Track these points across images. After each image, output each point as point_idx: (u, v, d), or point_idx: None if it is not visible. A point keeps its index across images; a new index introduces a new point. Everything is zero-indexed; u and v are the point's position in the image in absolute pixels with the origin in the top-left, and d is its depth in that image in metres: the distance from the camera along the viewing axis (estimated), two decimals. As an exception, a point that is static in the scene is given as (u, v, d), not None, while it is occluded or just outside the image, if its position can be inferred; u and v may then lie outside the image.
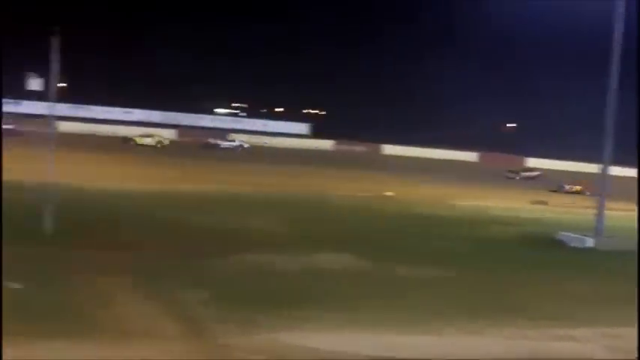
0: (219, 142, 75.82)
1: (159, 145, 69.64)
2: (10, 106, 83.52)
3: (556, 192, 56.79)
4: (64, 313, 15.57)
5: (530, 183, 65.80)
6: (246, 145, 76.94)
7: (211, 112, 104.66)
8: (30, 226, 23.54)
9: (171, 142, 74.74)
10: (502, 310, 18.33)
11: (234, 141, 76.84)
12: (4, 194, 30.50)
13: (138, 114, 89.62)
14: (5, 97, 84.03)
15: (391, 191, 44.58)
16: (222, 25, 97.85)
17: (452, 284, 21.17)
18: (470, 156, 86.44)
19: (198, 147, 72.61)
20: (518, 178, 69.44)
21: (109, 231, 25.09)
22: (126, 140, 69.04)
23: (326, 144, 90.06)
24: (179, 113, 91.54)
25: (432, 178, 58.43)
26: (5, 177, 34.77)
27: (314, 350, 14.80)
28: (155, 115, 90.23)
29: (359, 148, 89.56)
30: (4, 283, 17.00)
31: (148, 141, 69.51)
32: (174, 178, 43.34)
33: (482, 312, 18.06)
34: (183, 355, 14.17)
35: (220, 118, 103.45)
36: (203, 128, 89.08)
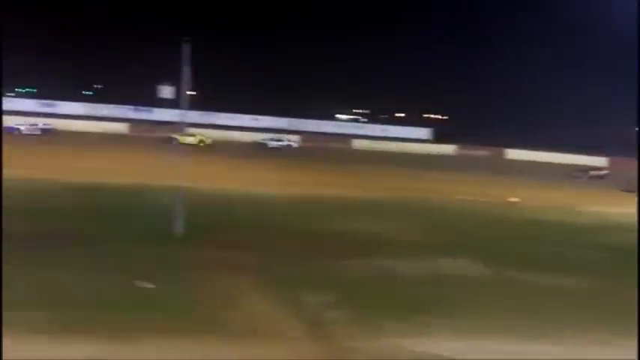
0: (267, 141, 76.88)
1: (201, 144, 71.10)
2: (142, 114, 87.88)
3: (631, 192, 53.47)
4: (193, 312, 16.34)
5: (599, 182, 62.45)
6: (294, 145, 77.27)
7: (333, 118, 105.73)
8: (161, 228, 24.62)
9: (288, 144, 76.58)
10: (630, 321, 17.65)
11: (282, 140, 77.32)
12: (140, 197, 32.50)
13: (265, 120, 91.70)
14: (138, 105, 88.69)
15: (516, 197, 43.44)
16: (344, 32, 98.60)
17: (579, 292, 20.56)
18: (598, 161, 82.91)
19: (252, 147, 74.18)
20: (586, 177, 66.69)
21: (235, 233, 25.86)
22: (169, 139, 70.97)
23: (448, 149, 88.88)
24: (303, 119, 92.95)
25: (558, 183, 56.54)
26: (137, 181, 36.98)
27: (435, 357, 14.85)
28: (281, 122, 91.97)
29: (482, 152, 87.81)
30: (137, 283, 18.01)
31: (190, 140, 70.71)
32: (294, 181, 43.92)
33: (609, 322, 17.49)
34: (310, 356, 14.54)
35: (342, 123, 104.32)
36: (325, 134, 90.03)
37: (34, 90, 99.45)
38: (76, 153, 52.08)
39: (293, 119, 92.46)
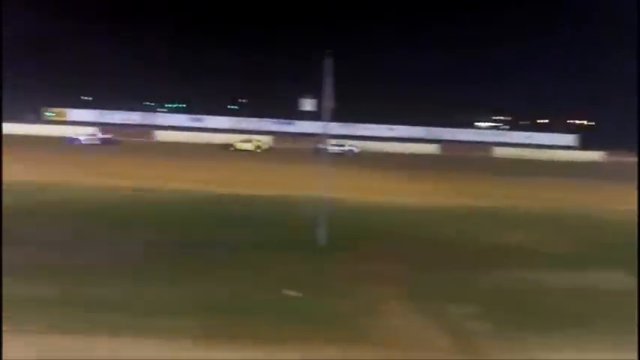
0: (327, 146, 75.29)
1: (258, 150, 72.43)
2: (284, 126, 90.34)
3: None
4: (337, 321, 16.63)
5: None
6: (356, 150, 75.69)
7: (473, 126, 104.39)
8: (305, 238, 25.09)
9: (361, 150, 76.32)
10: None
11: (343, 145, 76.16)
12: (281, 207, 33.49)
13: (402, 130, 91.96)
14: (280, 118, 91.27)
15: (669, 206, 41.04)
16: (482, 39, 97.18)
17: None
18: None
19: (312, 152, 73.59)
20: None
21: (376, 243, 26.08)
22: (227, 146, 72.35)
23: (595, 155, 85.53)
24: (441, 128, 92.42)
25: None
26: (278, 191, 38.06)
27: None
28: (418, 131, 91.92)
29: (632, 159, 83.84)
30: (284, 291, 18.61)
31: (246, 146, 72.90)
32: (433, 191, 43.70)
33: None
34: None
35: (482, 131, 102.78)
36: (464, 142, 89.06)
37: (184, 106, 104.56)
38: (219, 165, 54.31)
39: (431, 128, 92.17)
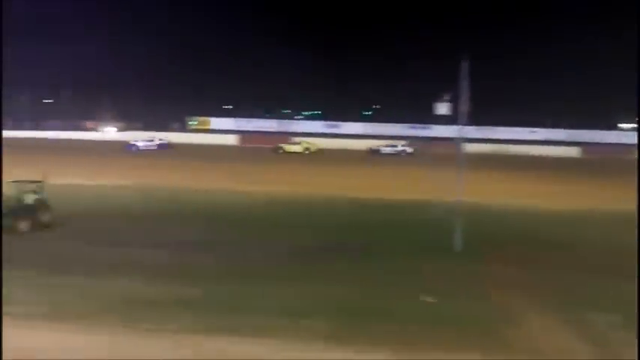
0: (380, 147, 75.28)
1: (306, 152, 72.28)
2: (419, 131, 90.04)
3: None
4: (474, 327, 16.49)
5: None
6: (409, 150, 74.09)
7: (616, 128, 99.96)
8: (440, 243, 25.14)
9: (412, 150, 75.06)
10: None
11: (396, 146, 74.38)
12: (415, 211, 33.56)
13: (543, 133, 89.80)
14: (414, 123, 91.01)
15: None
16: (627, 37, 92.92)
17: None
18: None
19: (367, 153, 73.59)
20: None
21: (515, 248, 25.69)
22: (276, 149, 71.66)
23: None
24: (583, 130, 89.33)
25: None
26: (412, 195, 38.04)
27: None
28: (560, 133, 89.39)
29: None
30: (422, 297, 18.72)
31: (295, 148, 73.23)
32: (571, 194, 42.41)
33: None
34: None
35: (625, 133, 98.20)
36: (607, 144, 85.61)
37: (319, 112, 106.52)
38: (349, 169, 55.18)
39: (572, 130, 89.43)
